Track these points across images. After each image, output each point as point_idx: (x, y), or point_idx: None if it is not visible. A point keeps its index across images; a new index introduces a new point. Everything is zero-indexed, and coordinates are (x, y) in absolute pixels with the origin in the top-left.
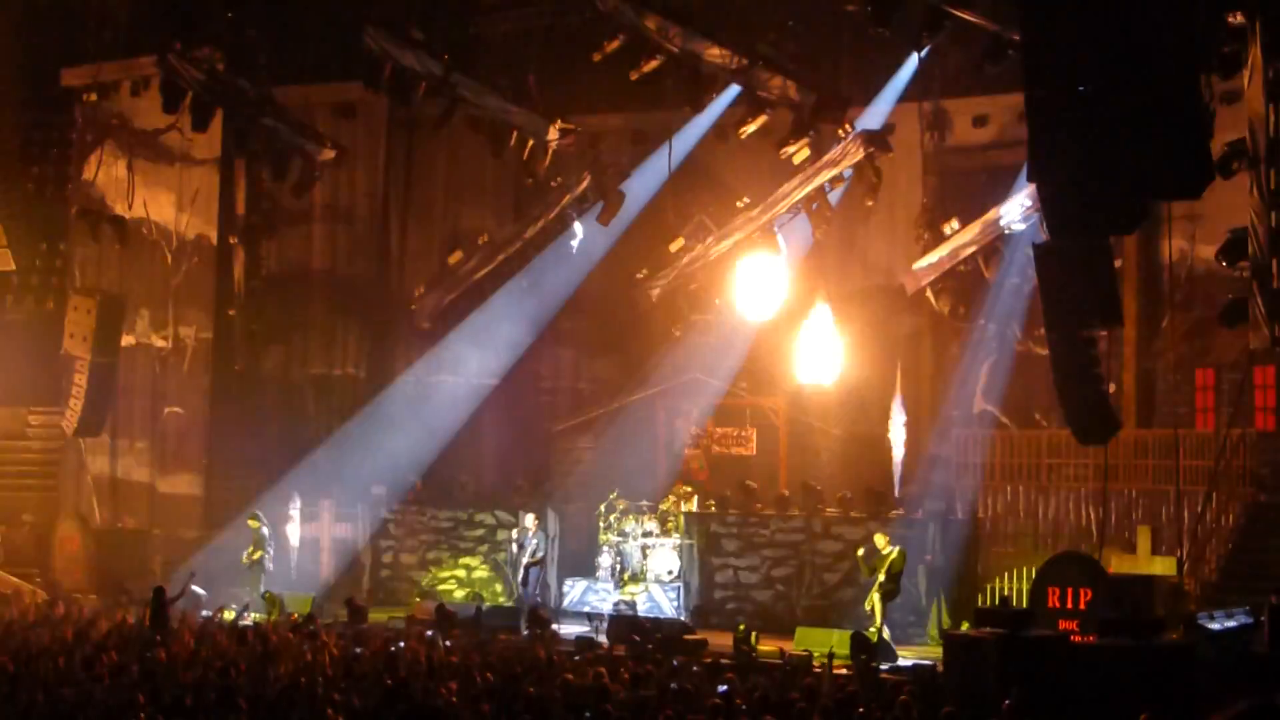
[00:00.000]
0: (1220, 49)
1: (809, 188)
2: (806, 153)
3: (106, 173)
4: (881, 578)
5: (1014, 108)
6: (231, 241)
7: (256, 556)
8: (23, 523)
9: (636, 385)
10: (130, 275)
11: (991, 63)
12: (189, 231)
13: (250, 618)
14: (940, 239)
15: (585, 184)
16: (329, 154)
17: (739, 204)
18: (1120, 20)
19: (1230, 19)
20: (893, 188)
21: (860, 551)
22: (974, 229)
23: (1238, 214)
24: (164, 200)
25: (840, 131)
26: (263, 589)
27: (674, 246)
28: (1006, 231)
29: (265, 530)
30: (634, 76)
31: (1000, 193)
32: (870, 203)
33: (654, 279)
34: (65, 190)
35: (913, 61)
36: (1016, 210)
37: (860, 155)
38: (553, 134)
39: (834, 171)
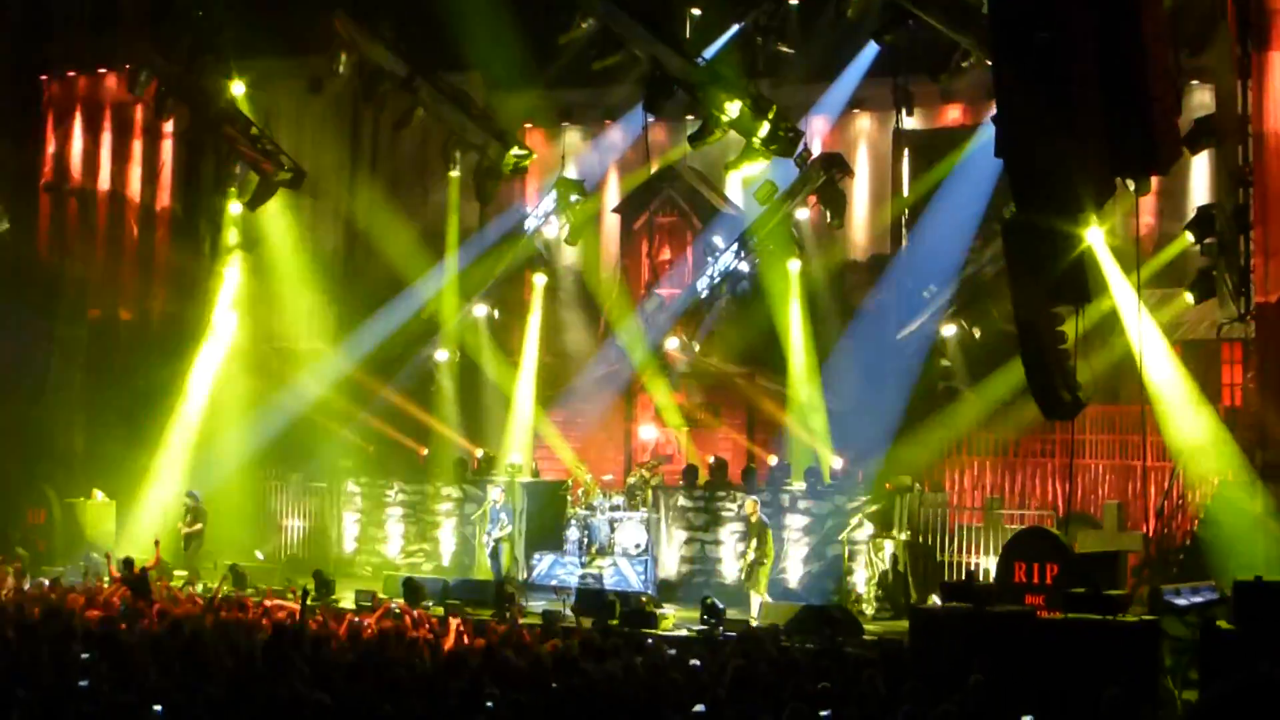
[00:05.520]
0: (1190, 25)
1: (775, 219)
2: (771, 186)
3: (73, 145)
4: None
5: (984, 82)
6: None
7: (197, 528)
8: None
9: (605, 358)
10: (96, 248)
11: (945, 70)
12: (155, 204)
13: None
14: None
15: (549, 210)
16: (285, 175)
17: (709, 257)
18: None
19: None
20: (866, 163)
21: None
22: (952, 287)
23: (1207, 190)
24: (131, 173)
25: (796, 162)
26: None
27: (650, 306)
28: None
29: (199, 504)
30: (596, 66)
31: (972, 165)
32: (838, 224)
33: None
34: (32, 163)
35: (873, 48)
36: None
37: (821, 179)
38: (509, 160)
39: (798, 199)
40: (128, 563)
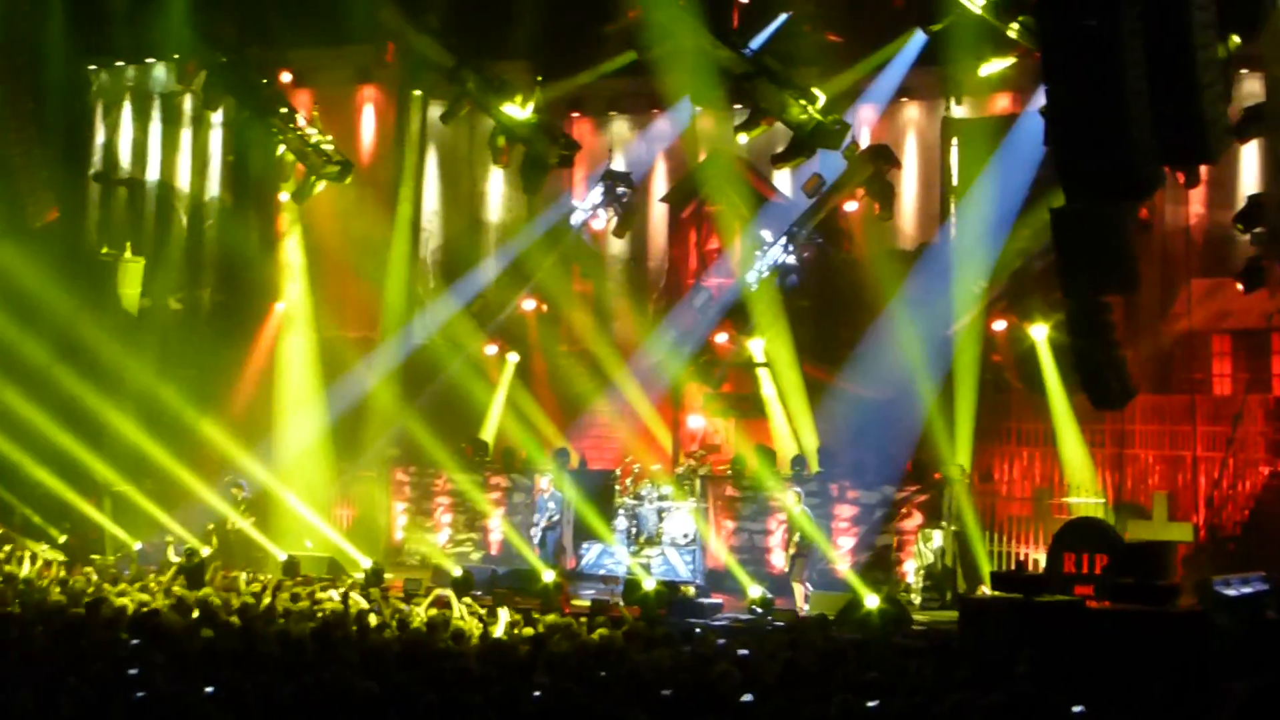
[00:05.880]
0: (1241, 11)
1: (823, 212)
2: (818, 179)
3: (122, 135)
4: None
5: (1032, 70)
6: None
7: (248, 520)
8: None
9: (653, 348)
10: (144, 236)
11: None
12: (204, 193)
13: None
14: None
15: (597, 203)
16: (332, 168)
17: (757, 252)
18: None
19: None
20: (914, 151)
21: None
22: (1002, 282)
23: (1257, 179)
24: (179, 162)
25: (844, 155)
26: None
27: (699, 300)
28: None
29: (247, 494)
30: (643, 56)
31: (1020, 153)
32: (886, 216)
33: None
34: (81, 153)
35: (920, 36)
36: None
37: (869, 172)
38: (555, 152)
39: (845, 191)
40: (190, 552)
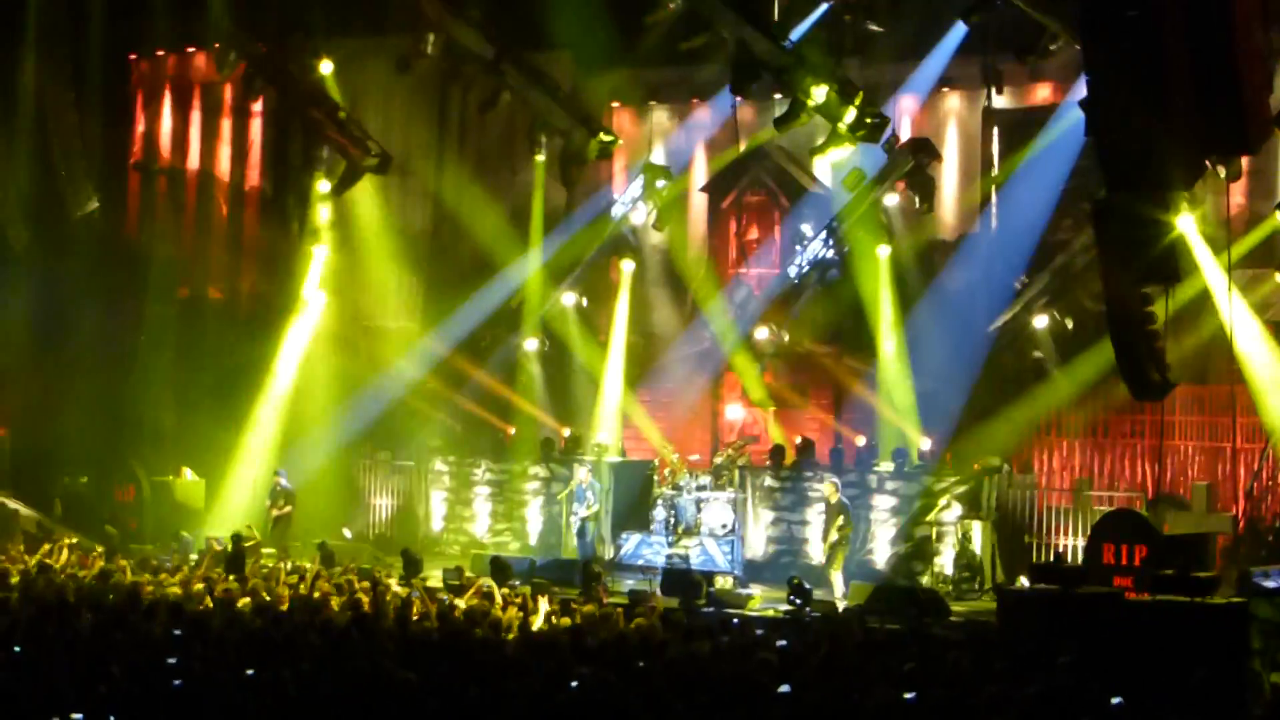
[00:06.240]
0: None
1: (863, 207)
2: (859, 173)
3: (162, 124)
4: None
5: (1073, 61)
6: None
7: (286, 510)
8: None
9: (692, 336)
10: (185, 227)
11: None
12: (244, 183)
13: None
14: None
15: (636, 196)
16: (372, 161)
17: (798, 246)
18: None
19: None
20: (955, 142)
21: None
22: (1043, 277)
23: None
24: (220, 152)
25: (884, 148)
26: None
27: (739, 295)
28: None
29: (286, 484)
30: (683, 47)
31: (1061, 144)
32: (927, 209)
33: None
34: (121, 142)
35: (962, 27)
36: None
37: (910, 165)
38: (594, 146)
39: (886, 185)
40: (235, 538)
